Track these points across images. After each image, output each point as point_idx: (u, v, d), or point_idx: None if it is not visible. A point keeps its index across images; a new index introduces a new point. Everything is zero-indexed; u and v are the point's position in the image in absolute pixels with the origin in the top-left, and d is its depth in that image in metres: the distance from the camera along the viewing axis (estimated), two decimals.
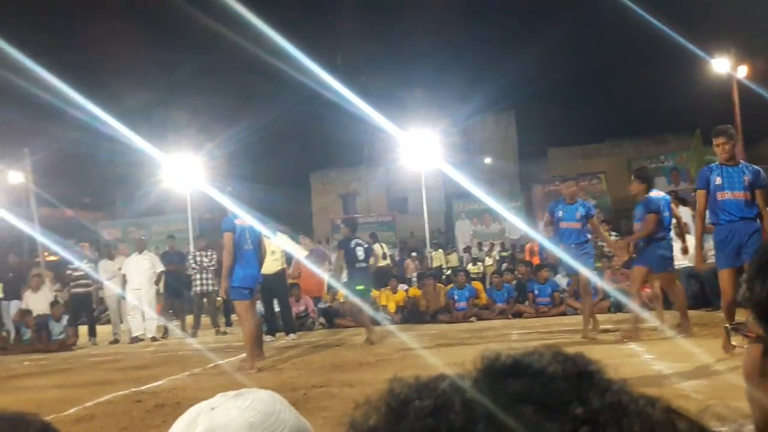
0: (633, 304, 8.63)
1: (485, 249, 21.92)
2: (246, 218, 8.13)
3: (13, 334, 13.28)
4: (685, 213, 12.90)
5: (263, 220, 8.44)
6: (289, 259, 12.02)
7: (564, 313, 12.05)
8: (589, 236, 9.08)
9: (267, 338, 10.95)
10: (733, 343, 1.12)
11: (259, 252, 8.18)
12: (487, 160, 29.66)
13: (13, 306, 13.74)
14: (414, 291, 13.87)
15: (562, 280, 12.70)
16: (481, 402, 0.40)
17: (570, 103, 29.82)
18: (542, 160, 29.10)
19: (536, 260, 15.10)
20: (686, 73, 19.77)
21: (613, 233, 15.04)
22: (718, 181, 6.79)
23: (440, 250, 21.35)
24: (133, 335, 12.80)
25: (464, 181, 20.88)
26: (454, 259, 21.02)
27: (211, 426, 1.02)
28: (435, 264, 20.02)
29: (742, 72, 17.92)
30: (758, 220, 6.66)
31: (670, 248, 8.63)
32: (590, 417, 0.38)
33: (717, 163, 6.93)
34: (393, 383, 0.46)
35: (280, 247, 11.35)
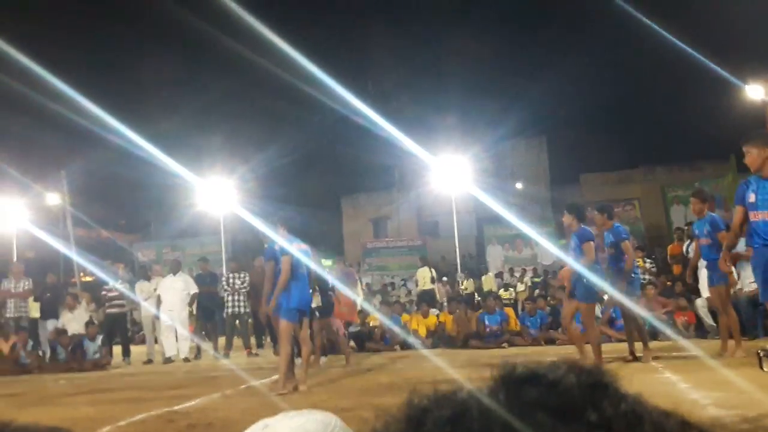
0: (669, 331, 8.56)
1: (517, 275, 21.79)
2: (301, 244, 8.20)
3: (48, 353, 13.43)
4: None
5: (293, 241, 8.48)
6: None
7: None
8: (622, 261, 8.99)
9: (298, 361, 10.94)
10: (766, 369, 1.11)
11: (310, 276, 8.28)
12: (519, 185, 29.55)
13: (50, 325, 13.89)
14: (444, 316, 13.82)
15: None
16: (498, 409, 0.41)
17: (602, 129, 29.64)
18: (575, 185, 28.89)
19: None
20: (720, 100, 19.58)
21: (647, 260, 14.88)
22: (752, 198, 5.94)
23: (471, 279, 21.29)
24: (167, 356, 12.89)
25: (495, 206, 20.80)
26: (490, 281, 20.92)
27: None
28: (486, 288, 20.00)
29: None
30: None
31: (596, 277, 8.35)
32: (604, 423, 0.39)
33: (758, 175, 5.98)
34: (412, 395, 0.47)
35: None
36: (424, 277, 18.72)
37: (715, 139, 21.38)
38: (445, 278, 20.77)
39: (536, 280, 20.17)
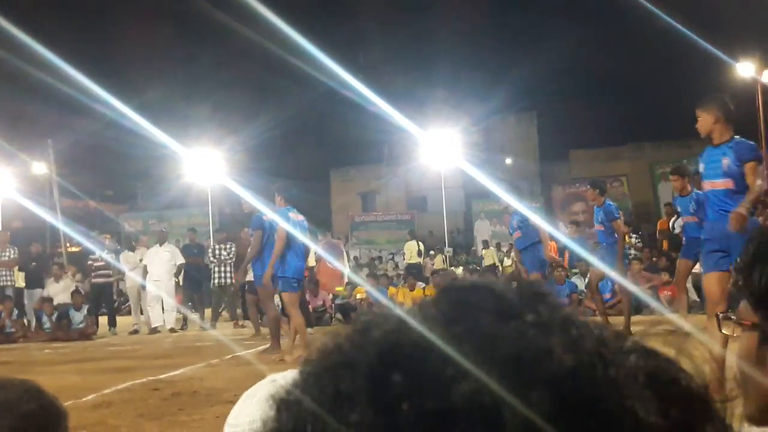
0: (654, 305, 8.68)
1: (504, 250, 21.91)
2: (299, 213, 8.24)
3: (33, 323, 13.45)
4: None
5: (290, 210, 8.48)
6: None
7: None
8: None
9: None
10: (725, 331, 1.12)
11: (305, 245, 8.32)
12: (508, 160, 29.58)
13: (36, 294, 13.91)
14: (431, 289, 13.89)
15: (579, 281, 12.66)
16: (440, 314, 0.42)
17: (592, 105, 29.62)
18: (563, 161, 28.96)
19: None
20: (710, 77, 19.58)
21: (634, 235, 15.02)
22: (701, 168, 5.59)
23: (491, 248, 21.41)
24: (153, 326, 12.92)
25: (484, 180, 20.86)
26: (491, 255, 21.08)
27: (273, 390, 1.05)
28: (487, 263, 20.10)
29: (766, 76, 17.80)
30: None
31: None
32: (541, 323, 0.41)
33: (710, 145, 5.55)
34: (357, 315, 0.49)
35: None
36: (411, 250, 18.83)
37: None
38: (432, 252, 20.89)
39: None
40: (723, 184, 5.26)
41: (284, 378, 1.11)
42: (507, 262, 19.43)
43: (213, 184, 22.58)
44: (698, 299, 11.75)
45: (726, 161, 5.24)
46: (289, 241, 7.98)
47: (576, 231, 14.39)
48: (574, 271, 13.96)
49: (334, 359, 0.43)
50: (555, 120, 29.39)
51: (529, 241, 9.15)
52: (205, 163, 22.20)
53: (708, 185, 5.47)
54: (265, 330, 10.24)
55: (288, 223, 7.97)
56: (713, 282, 5.11)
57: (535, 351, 0.39)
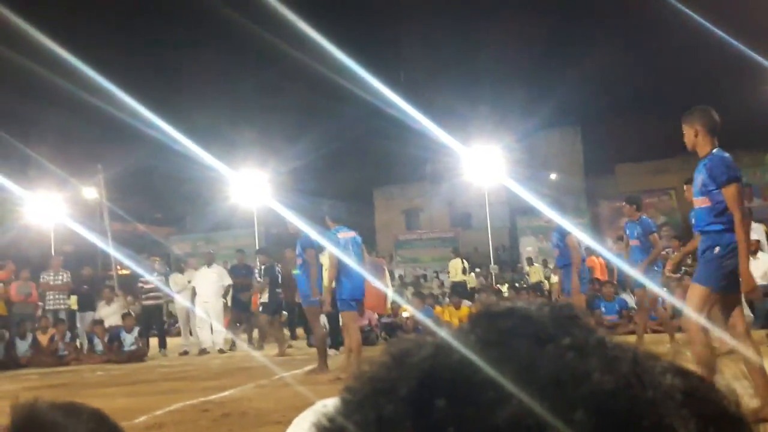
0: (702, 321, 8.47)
1: (551, 266, 21.70)
2: (348, 232, 8.28)
3: (86, 345, 13.65)
4: (757, 230, 12.57)
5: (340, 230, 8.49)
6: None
7: (633, 332, 11.80)
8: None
9: (331, 352, 11.04)
10: None
11: (362, 263, 8.34)
12: (553, 176, 29.31)
13: (88, 317, 14.13)
14: (470, 314, 13.80)
15: (629, 298, 12.45)
16: (477, 340, 0.43)
17: (638, 118, 29.22)
18: (609, 176, 28.59)
19: (603, 276, 14.84)
20: (757, 89, 19.26)
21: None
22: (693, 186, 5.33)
23: (537, 265, 21.30)
24: (202, 347, 13.02)
25: (528, 197, 20.72)
26: (538, 271, 20.94)
27: (317, 417, 1.07)
28: (533, 280, 19.97)
29: None
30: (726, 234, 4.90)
31: None
32: (576, 345, 0.42)
33: None
34: (392, 341, 0.49)
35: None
36: (456, 268, 18.73)
37: (752, 128, 21.03)
38: (477, 269, 20.77)
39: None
40: (700, 202, 5.04)
41: (334, 404, 1.13)
42: (554, 279, 19.24)
43: (258, 206, 22.80)
44: (751, 314, 11.50)
45: (700, 179, 5.03)
46: (339, 263, 8.01)
47: (623, 247, 14.18)
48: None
49: (374, 386, 0.44)
50: (600, 134, 29.09)
51: (565, 261, 9.07)
52: (251, 185, 22.46)
53: (694, 202, 5.24)
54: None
55: (337, 244, 8.00)
56: (692, 293, 4.96)
57: (573, 373, 0.40)
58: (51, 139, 25.95)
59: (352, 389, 0.45)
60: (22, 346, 13.11)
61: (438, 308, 14.11)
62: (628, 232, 9.09)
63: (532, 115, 28.43)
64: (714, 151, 5.05)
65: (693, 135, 5.20)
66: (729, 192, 4.82)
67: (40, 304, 14.03)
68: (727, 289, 4.87)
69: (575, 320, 0.45)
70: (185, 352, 13.16)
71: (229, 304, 14.14)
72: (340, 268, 8.00)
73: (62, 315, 13.89)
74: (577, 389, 0.39)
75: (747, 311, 11.37)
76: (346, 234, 8.20)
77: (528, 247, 25.85)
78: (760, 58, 16.71)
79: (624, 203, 9.21)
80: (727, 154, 5.02)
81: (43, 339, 13.19)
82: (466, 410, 0.39)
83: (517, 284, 19.14)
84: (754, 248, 12.18)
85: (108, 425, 1.41)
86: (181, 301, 13.42)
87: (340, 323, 11.66)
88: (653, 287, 8.61)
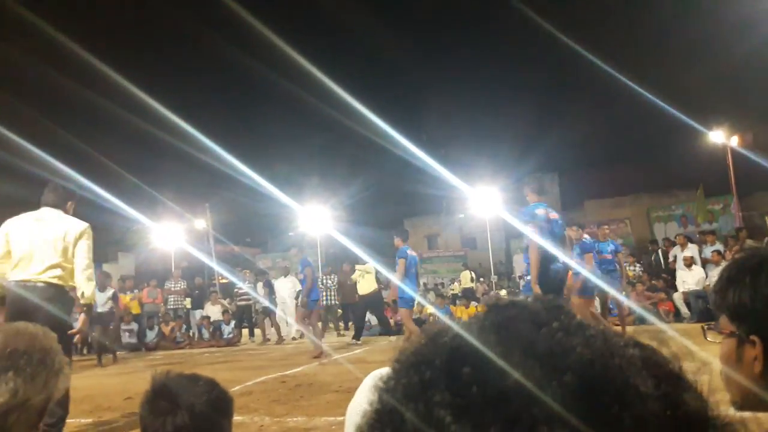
0: (652, 318, 8.36)
1: None
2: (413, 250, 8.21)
3: (196, 334, 13.87)
4: (692, 249, 12.33)
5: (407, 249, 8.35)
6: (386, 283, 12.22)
7: None
8: (617, 266, 8.96)
9: (352, 341, 11.06)
10: (709, 338, 1.13)
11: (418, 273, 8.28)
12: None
13: (198, 314, 14.30)
14: (482, 307, 13.69)
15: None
16: (490, 325, 0.45)
17: (601, 166, 28.95)
18: (580, 208, 28.24)
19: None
20: (690, 142, 19.03)
21: (637, 264, 14.49)
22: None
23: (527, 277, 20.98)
24: (280, 336, 13.06)
25: (518, 225, 20.51)
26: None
27: (374, 381, 1.14)
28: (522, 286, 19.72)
29: (734, 141, 17.13)
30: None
31: None
32: (563, 328, 0.43)
33: None
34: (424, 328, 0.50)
35: (373, 273, 11.53)
36: (466, 278, 18.60)
37: (687, 172, 20.73)
38: (482, 279, 20.58)
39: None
40: None
41: (385, 371, 1.19)
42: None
43: (321, 233, 22.95)
44: (688, 311, 11.25)
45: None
46: (407, 271, 7.93)
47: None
48: None
49: (416, 357, 0.44)
50: (572, 178, 28.83)
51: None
52: (315, 217, 22.64)
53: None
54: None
55: (407, 258, 7.96)
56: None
57: (562, 348, 0.41)
58: (171, 184, 26.46)
59: (399, 360, 0.46)
60: (150, 335, 13.31)
61: (453, 307, 14.04)
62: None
63: (521, 164, 28.25)
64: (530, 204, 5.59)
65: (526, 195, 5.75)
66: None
67: (163, 304, 14.29)
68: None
69: (560, 309, 0.46)
70: (267, 340, 13.25)
71: (299, 304, 14.18)
72: (407, 276, 7.85)
73: (180, 312, 14.07)
74: (565, 359, 0.40)
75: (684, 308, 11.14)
76: (412, 252, 8.13)
77: (519, 262, 25.53)
78: (691, 121, 16.60)
79: (577, 228, 8.87)
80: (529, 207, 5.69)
81: (166, 330, 13.38)
82: (485, 375, 0.40)
83: (511, 290, 18.91)
84: (689, 263, 11.96)
85: (218, 389, 1.50)
86: (264, 302, 13.50)
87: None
88: (612, 291, 8.46)
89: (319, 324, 13.99)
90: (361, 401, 1.24)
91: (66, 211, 4.18)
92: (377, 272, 12.00)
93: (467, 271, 18.98)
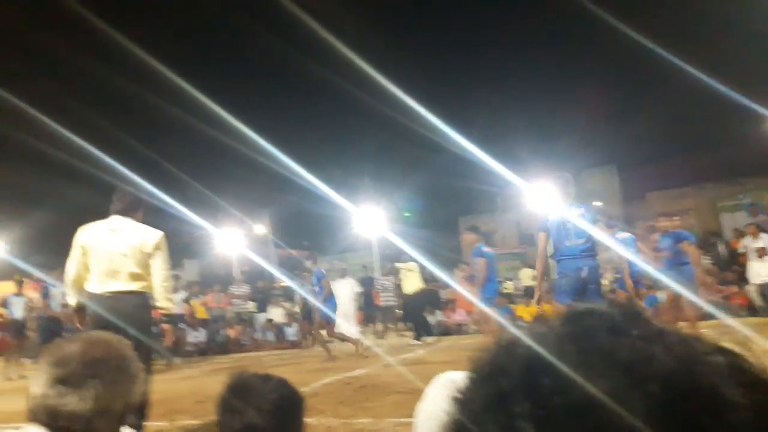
0: (722, 313, 7.96)
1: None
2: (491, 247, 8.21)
3: (261, 337, 14.12)
4: (765, 239, 11.72)
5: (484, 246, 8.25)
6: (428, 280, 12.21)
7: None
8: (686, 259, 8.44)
9: (413, 342, 11.00)
10: None
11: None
12: (596, 203, 28.24)
13: (262, 317, 14.59)
14: (546, 306, 13.40)
15: (661, 295, 11.78)
16: (569, 333, 0.44)
17: (663, 155, 27.92)
18: (641, 201, 27.32)
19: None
20: (756, 127, 18.13)
21: (706, 257, 13.90)
22: None
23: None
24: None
25: (578, 220, 19.95)
26: None
27: (449, 389, 1.12)
28: None
29: None
30: None
31: None
32: (643, 336, 0.42)
33: None
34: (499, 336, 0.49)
35: (416, 271, 11.48)
36: (526, 275, 18.27)
37: (754, 159, 19.73)
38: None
39: (617, 276, 19.20)
40: None
41: (455, 377, 1.16)
42: (604, 281, 18.42)
43: (377, 235, 23.06)
44: (764, 304, 10.68)
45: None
46: (488, 269, 7.82)
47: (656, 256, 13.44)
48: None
49: (492, 368, 0.43)
50: (633, 169, 27.96)
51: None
52: (370, 219, 22.77)
53: None
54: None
55: (486, 255, 7.84)
56: None
57: (643, 357, 0.40)
58: (233, 191, 27.15)
59: (475, 370, 0.45)
60: (219, 339, 13.65)
61: (513, 306, 13.80)
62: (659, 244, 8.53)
63: (578, 157, 27.57)
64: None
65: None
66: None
67: (228, 308, 14.61)
68: None
69: (639, 316, 0.45)
70: (330, 341, 13.30)
71: (360, 305, 14.28)
72: (487, 274, 7.76)
73: (244, 316, 14.38)
74: (648, 368, 0.39)
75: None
76: (488, 249, 8.04)
77: None
78: (756, 105, 15.79)
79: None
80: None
81: (232, 333, 13.70)
82: (566, 385, 0.39)
83: None
84: (762, 253, 11.36)
85: (289, 387, 1.54)
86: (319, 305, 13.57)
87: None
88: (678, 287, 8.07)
89: (380, 325, 14.09)
90: (435, 408, 1.23)
91: (136, 219, 4.22)
92: (422, 269, 11.92)
93: (527, 269, 18.62)
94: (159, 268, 4.09)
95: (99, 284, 4.00)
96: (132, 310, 3.91)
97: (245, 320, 14.12)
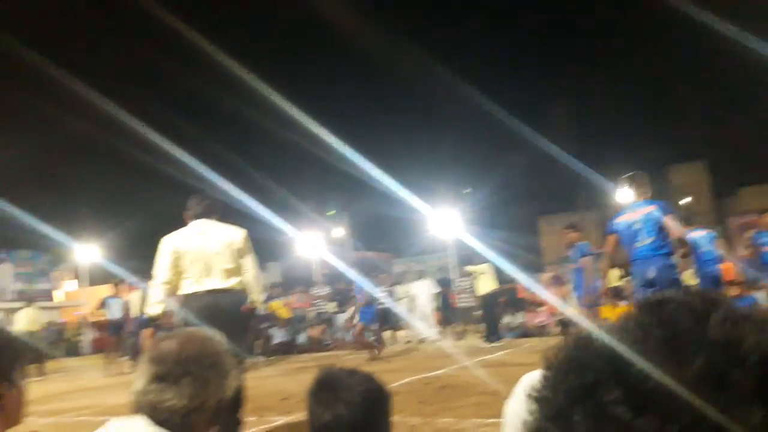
0: None
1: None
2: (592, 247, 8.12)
3: (342, 337, 14.30)
4: None
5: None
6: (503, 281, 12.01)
7: None
8: None
9: (485, 344, 10.77)
10: None
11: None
12: (686, 200, 26.75)
13: (341, 317, 14.80)
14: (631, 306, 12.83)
15: (761, 295, 10.96)
16: (650, 320, 0.44)
17: (757, 149, 26.05)
18: (734, 197, 25.62)
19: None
20: None
21: None
22: None
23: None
24: (421, 337, 13.14)
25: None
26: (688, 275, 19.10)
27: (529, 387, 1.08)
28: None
29: None
30: None
31: None
32: (728, 318, 0.42)
33: None
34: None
35: (488, 273, 11.24)
36: (613, 275, 17.54)
37: None
38: (630, 276, 19.34)
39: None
40: None
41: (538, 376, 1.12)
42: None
43: (452, 236, 22.92)
44: None
45: None
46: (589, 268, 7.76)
47: (752, 253, 12.51)
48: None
49: (570, 364, 0.44)
50: (725, 164, 26.26)
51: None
52: (446, 221, 22.63)
53: None
54: None
55: (585, 255, 7.76)
56: None
57: (734, 336, 0.40)
58: (314, 197, 27.83)
59: (550, 367, 0.46)
60: (300, 338, 13.97)
61: (599, 308, 13.26)
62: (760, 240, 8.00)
63: (664, 151, 26.29)
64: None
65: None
66: None
67: (310, 309, 14.87)
68: None
69: (717, 301, 0.45)
70: (409, 341, 13.35)
71: (438, 306, 14.21)
72: (587, 273, 7.69)
73: (325, 316, 14.62)
74: (741, 347, 0.39)
75: None
76: (591, 248, 7.97)
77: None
78: None
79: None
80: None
81: (313, 333, 13.97)
82: (659, 368, 0.39)
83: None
84: None
85: (374, 382, 1.56)
86: (404, 304, 13.65)
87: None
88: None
89: (458, 326, 13.96)
90: (521, 407, 1.20)
91: (218, 221, 4.37)
92: (497, 270, 11.70)
93: (615, 269, 17.86)
94: (250, 265, 4.25)
95: (196, 284, 4.15)
96: (228, 306, 4.08)
97: (326, 320, 14.34)
